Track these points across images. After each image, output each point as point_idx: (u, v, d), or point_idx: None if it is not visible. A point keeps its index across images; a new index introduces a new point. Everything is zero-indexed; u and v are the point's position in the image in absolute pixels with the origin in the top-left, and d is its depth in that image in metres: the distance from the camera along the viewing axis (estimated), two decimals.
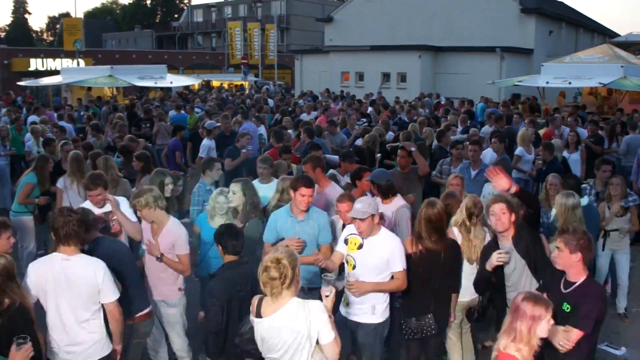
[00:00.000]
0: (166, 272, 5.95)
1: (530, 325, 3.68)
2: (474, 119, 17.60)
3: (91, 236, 5.36)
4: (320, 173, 7.37)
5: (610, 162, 8.98)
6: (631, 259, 8.57)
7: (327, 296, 4.37)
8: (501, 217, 5.38)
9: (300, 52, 42.16)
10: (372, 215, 5.22)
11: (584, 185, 8.68)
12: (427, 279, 5.52)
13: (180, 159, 12.37)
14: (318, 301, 4.24)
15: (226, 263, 5.20)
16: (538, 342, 3.72)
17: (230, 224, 5.64)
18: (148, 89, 28.53)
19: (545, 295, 4.17)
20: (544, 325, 3.74)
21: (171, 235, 5.88)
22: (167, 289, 6.00)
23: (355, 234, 5.42)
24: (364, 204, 5.23)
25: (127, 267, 5.46)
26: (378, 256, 5.30)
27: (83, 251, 4.85)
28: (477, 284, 5.70)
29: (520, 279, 5.45)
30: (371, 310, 5.40)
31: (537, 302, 3.75)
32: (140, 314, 5.48)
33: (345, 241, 5.53)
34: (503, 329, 3.80)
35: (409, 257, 5.48)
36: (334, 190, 7.19)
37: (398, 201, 6.94)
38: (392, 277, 5.39)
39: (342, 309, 5.58)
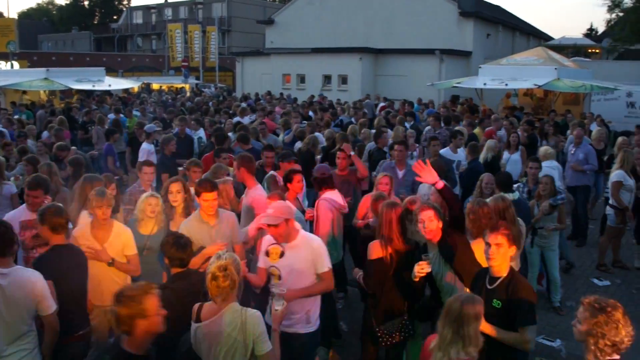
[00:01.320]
0: (120, 276, 5.86)
1: (476, 326, 3.70)
2: (415, 120, 17.80)
3: (57, 239, 5.15)
4: (245, 172, 7.26)
5: (537, 160, 9.21)
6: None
7: (276, 310, 4.40)
8: (429, 225, 5.31)
9: (241, 55, 41.92)
10: (287, 220, 5.05)
11: (517, 184, 8.90)
12: (399, 280, 5.46)
13: (113, 164, 12.06)
14: (256, 311, 4.20)
15: (174, 274, 4.97)
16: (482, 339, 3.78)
17: (177, 234, 5.29)
18: (71, 92, 27.91)
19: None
20: (482, 321, 3.81)
21: (122, 238, 5.82)
22: None
23: (275, 244, 5.22)
24: (275, 209, 5.08)
25: (82, 282, 5.28)
26: (302, 260, 5.12)
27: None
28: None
29: (455, 282, 5.40)
30: (306, 318, 5.22)
31: (474, 302, 3.76)
32: (77, 334, 5.18)
33: (267, 253, 5.31)
34: (446, 341, 3.69)
35: (379, 261, 5.43)
36: (258, 192, 7.12)
37: (327, 195, 7.01)
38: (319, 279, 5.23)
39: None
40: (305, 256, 5.12)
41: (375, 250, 5.48)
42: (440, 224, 5.37)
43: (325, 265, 5.18)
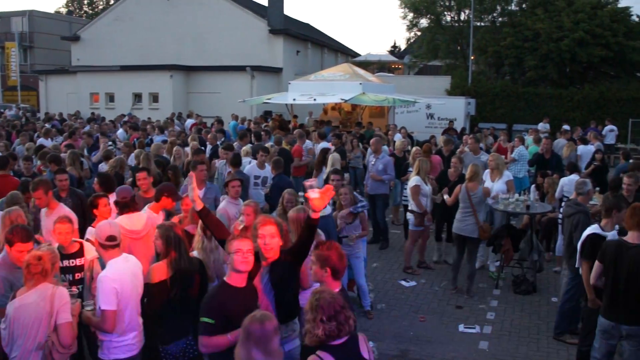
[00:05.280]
0: None
1: (277, 340, 3.61)
2: (226, 136, 17.82)
3: None
4: (51, 196, 7.37)
5: (339, 172, 9.56)
6: (376, 258, 9.20)
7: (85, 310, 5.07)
8: (270, 242, 4.89)
9: (45, 73, 39.64)
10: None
11: None
12: (183, 301, 5.35)
13: None
14: (64, 288, 4.83)
15: None
16: None
17: None
18: None
19: None
20: None
21: None
22: None
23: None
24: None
25: None
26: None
27: None
28: None
29: None
30: (100, 344, 5.16)
31: (270, 318, 3.64)
32: None
33: None
34: None
35: (163, 282, 5.27)
36: (60, 211, 7.05)
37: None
38: None
39: None
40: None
41: (159, 272, 5.35)
42: (281, 242, 5.02)
43: (98, 302, 4.94)
